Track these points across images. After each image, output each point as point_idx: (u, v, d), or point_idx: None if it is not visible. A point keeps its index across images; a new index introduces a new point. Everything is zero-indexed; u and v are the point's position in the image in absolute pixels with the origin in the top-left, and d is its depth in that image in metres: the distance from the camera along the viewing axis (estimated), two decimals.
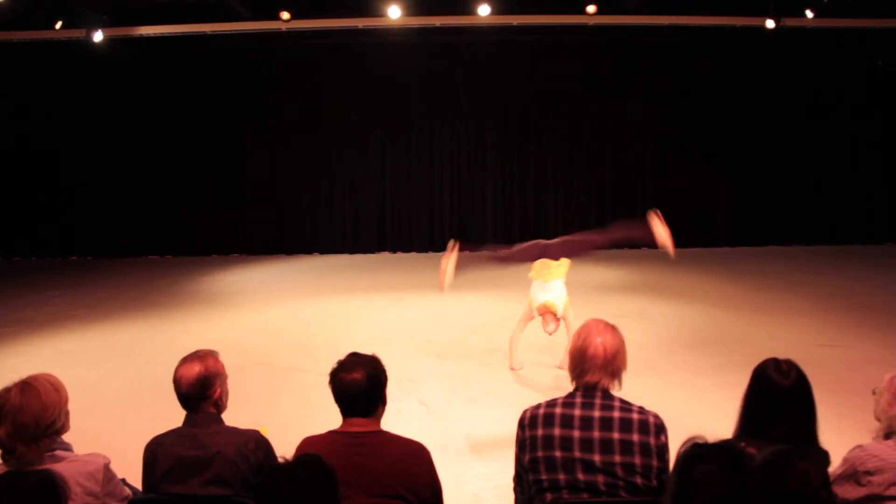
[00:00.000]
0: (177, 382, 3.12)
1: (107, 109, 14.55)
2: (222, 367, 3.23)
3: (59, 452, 2.81)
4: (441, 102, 15.00)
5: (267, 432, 3.22)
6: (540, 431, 2.90)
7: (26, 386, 2.79)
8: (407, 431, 3.09)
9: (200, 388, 3.12)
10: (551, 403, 2.97)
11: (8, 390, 2.77)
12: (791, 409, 2.90)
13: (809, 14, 12.34)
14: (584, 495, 2.81)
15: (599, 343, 2.97)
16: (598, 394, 2.93)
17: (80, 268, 13.97)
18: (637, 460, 2.80)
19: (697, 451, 2.22)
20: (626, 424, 2.86)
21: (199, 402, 3.13)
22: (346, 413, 2.99)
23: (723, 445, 2.26)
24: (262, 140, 14.82)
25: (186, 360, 3.17)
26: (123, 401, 6.55)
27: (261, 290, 11.39)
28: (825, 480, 2.24)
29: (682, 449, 2.27)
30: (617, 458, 2.81)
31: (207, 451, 3.01)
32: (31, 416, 2.74)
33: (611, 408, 2.90)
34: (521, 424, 3.00)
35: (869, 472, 2.73)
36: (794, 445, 2.81)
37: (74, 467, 2.77)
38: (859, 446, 2.98)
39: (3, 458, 2.75)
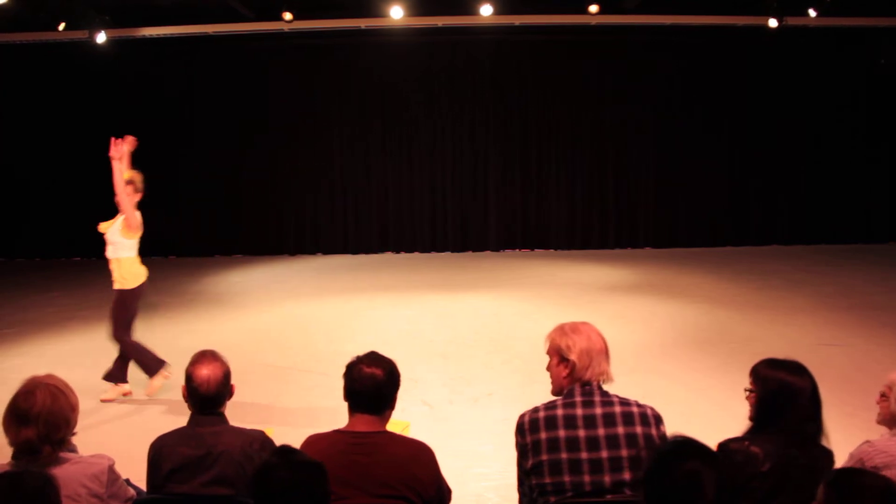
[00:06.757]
0: (202, 385, 3.10)
1: (110, 110, 14.53)
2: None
3: (63, 454, 2.81)
4: (443, 102, 15.00)
5: (272, 433, 3.22)
6: (543, 435, 2.88)
7: (49, 388, 2.80)
8: (410, 431, 3.08)
9: (224, 387, 3.15)
10: (550, 406, 2.96)
11: (31, 393, 2.77)
12: (804, 409, 2.90)
13: (812, 13, 12.32)
14: (589, 496, 2.80)
15: (594, 335, 3.04)
16: (597, 391, 2.94)
17: (84, 268, 13.96)
18: (644, 454, 2.80)
19: (676, 448, 2.26)
20: (628, 418, 2.88)
21: (221, 401, 3.15)
22: (354, 407, 2.97)
23: (699, 443, 2.29)
24: (264, 140, 14.83)
25: (204, 362, 3.15)
26: (127, 401, 6.55)
27: (263, 291, 11.39)
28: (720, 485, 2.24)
29: (661, 446, 2.30)
30: (623, 453, 2.82)
31: (212, 450, 3.01)
32: (63, 418, 2.77)
33: (611, 403, 2.92)
34: (521, 430, 2.96)
35: (877, 468, 2.73)
36: (803, 445, 2.84)
37: (79, 469, 2.78)
38: (867, 442, 2.99)
39: (14, 458, 2.75)
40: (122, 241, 6.46)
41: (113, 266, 6.49)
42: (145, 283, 6.61)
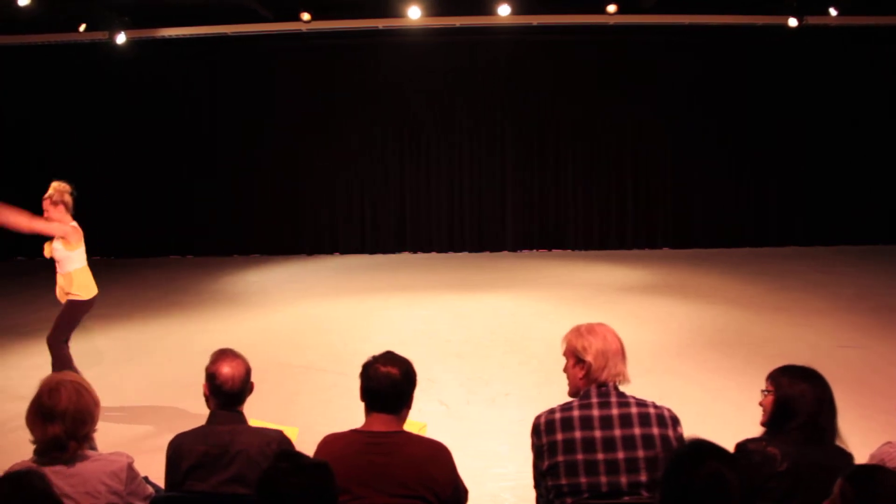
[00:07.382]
0: (226, 383, 3.14)
1: (128, 110, 14.64)
2: None
3: (84, 451, 2.84)
4: (461, 102, 14.98)
5: (296, 434, 3.24)
6: (559, 436, 2.89)
7: (72, 384, 2.84)
8: (427, 431, 3.10)
9: (246, 384, 3.20)
10: (566, 407, 2.96)
11: (55, 390, 2.80)
12: (819, 414, 2.90)
13: (833, 12, 12.22)
14: (606, 497, 2.80)
15: (610, 336, 3.04)
16: (613, 392, 2.95)
17: (102, 268, 13.91)
18: (661, 454, 2.80)
19: (693, 450, 2.26)
20: (644, 419, 2.88)
21: (242, 399, 3.20)
22: (371, 407, 2.98)
23: (715, 445, 2.29)
24: (282, 140, 14.87)
25: (225, 360, 3.19)
26: (144, 400, 6.61)
27: (281, 290, 11.43)
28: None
29: (679, 448, 2.30)
30: (640, 454, 2.82)
31: (230, 449, 3.03)
32: (88, 414, 2.82)
33: (627, 404, 2.93)
34: (537, 431, 2.97)
35: None
36: (819, 445, 2.84)
37: (99, 466, 2.81)
38: (889, 443, 2.99)
39: (38, 455, 2.79)
40: (67, 254, 6.31)
41: (64, 281, 6.32)
42: (96, 297, 6.46)
